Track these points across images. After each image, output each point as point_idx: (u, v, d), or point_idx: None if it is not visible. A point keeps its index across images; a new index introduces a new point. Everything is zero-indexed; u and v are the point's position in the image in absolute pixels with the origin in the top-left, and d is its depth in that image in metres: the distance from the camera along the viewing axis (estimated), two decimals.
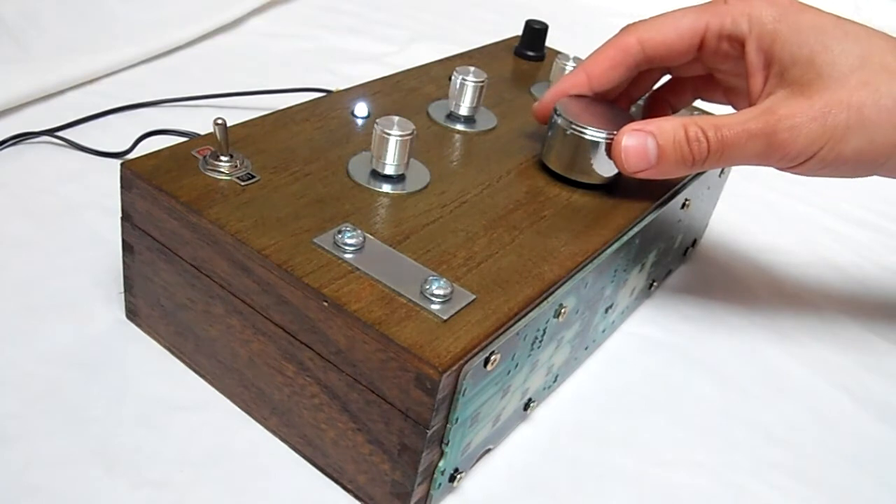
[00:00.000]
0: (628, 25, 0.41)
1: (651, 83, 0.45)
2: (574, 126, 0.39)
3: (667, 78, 0.45)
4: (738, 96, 0.43)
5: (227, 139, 0.36)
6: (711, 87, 0.44)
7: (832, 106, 0.35)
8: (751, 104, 0.38)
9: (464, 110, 0.44)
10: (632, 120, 0.40)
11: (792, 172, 0.38)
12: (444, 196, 0.37)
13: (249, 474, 0.33)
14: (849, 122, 0.35)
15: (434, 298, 0.30)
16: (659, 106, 0.46)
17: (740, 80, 0.41)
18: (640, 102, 0.48)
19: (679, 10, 0.40)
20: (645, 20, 0.41)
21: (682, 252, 0.51)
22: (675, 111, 0.46)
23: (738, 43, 0.39)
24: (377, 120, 0.36)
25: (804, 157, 0.36)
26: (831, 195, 0.66)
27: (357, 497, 0.33)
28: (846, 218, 0.63)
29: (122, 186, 0.36)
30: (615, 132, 0.38)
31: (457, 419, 0.30)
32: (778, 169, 0.38)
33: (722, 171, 0.50)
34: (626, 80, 0.42)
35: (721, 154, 0.37)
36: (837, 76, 0.36)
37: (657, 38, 0.40)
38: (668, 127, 0.37)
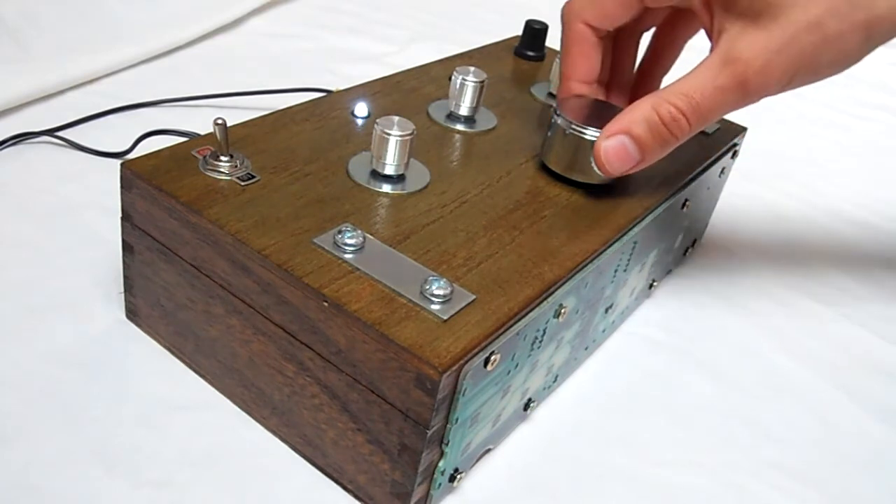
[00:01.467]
0: (567, 11, 0.41)
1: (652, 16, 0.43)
2: (574, 126, 0.39)
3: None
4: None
5: (227, 139, 0.36)
6: (687, 19, 0.43)
7: (792, 31, 0.34)
8: (711, 39, 0.37)
9: (464, 110, 0.44)
10: None
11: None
12: (444, 196, 0.37)
13: (249, 474, 0.33)
14: (814, 43, 0.34)
15: (434, 298, 0.30)
16: (646, 80, 0.45)
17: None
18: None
19: None
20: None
21: (682, 252, 0.51)
22: (667, 70, 0.46)
23: None
24: (377, 120, 0.36)
25: (780, 87, 0.36)
26: (831, 195, 0.66)
27: (357, 497, 0.33)
28: (846, 218, 0.63)
29: (122, 186, 0.36)
30: None
31: (457, 419, 0.30)
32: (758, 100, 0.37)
33: (722, 172, 0.50)
34: (608, 50, 0.42)
35: (701, 121, 0.36)
36: None
37: (599, 13, 0.40)
38: (639, 117, 0.36)
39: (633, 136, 0.36)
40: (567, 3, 0.41)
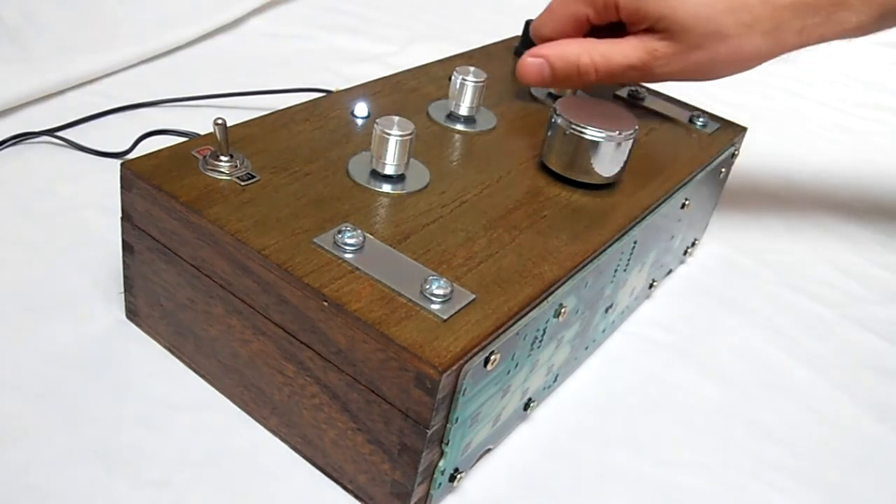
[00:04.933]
0: (530, 24, 0.51)
1: None
2: (574, 126, 0.39)
3: None
4: None
5: (227, 139, 0.36)
6: None
7: (696, 45, 0.44)
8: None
9: (464, 110, 0.44)
10: (632, 119, 0.40)
11: None
12: (444, 196, 0.37)
13: (249, 474, 0.33)
14: (714, 56, 0.45)
15: (434, 298, 0.30)
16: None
17: None
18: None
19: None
20: (540, 15, 0.49)
21: (682, 252, 0.51)
22: None
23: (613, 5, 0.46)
24: (377, 120, 0.36)
25: (675, 79, 0.47)
26: (831, 195, 0.66)
27: (357, 497, 0.33)
28: (846, 217, 0.63)
29: (122, 186, 0.36)
30: (615, 132, 0.38)
31: (457, 419, 0.30)
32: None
33: (722, 171, 0.50)
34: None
35: (606, 79, 0.46)
36: (694, 20, 0.43)
37: (553, 33, 0.48)
38: (563, 54, 0.46)
39: (551, 65, 0.46)
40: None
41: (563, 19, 0.48)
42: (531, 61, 0.46)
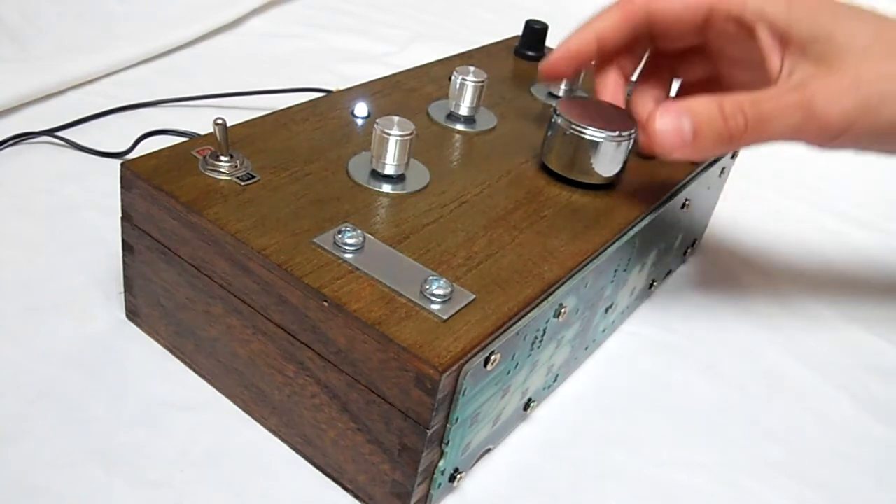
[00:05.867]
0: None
1: (638, 60, 0.44)
2: (574, 126, 0.39)
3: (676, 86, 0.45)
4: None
5: (227, 139, 0.36)
6: (716, 91, 0.44)
7: (862, 78, 0.35)
8: (772, 80, 0.38)
9: (464, 110, 0.44)
10: (632, 119, 0.40)
11: (826, 148, 0.38)
12: (444, 196, 0.37)
13: (249, 474, 0.33)
14: (882, 93, 0.35)
15: (434, 298, 0.30)
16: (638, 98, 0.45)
17: (746, 72, 0.41)
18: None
19: None
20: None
21: (682, 252, 0.51)
22: None
23: (746, 27, 0.38)
24: (377, 120, 0.36)
25: (839, 128, 0.36)
26: (831, 195, 0.66)
27: (357, 497, 0.33)
28: (846, 218, 0.63)
29: (122, 186, 0.36)
30: (615, 132, 0.38)
31: (457, 419, 0.30)
32: (812, 144, 0.37)
33: (722, 172, 0.50)
34: (634, 47, 0.42)
35: (759, 129, 0.36)
36: (859, 50, 0.35)
37: (663, 5, 0.40)
38: (702, 104, 0.36)
39: (693, 118, 0.35)
40: None
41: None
42: (666, 121, 0.35)
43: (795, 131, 0.36)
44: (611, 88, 0.43)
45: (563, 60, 0.41)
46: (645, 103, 0.43)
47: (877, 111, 0.36)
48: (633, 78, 0.45)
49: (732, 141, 0.36)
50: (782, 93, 0.36)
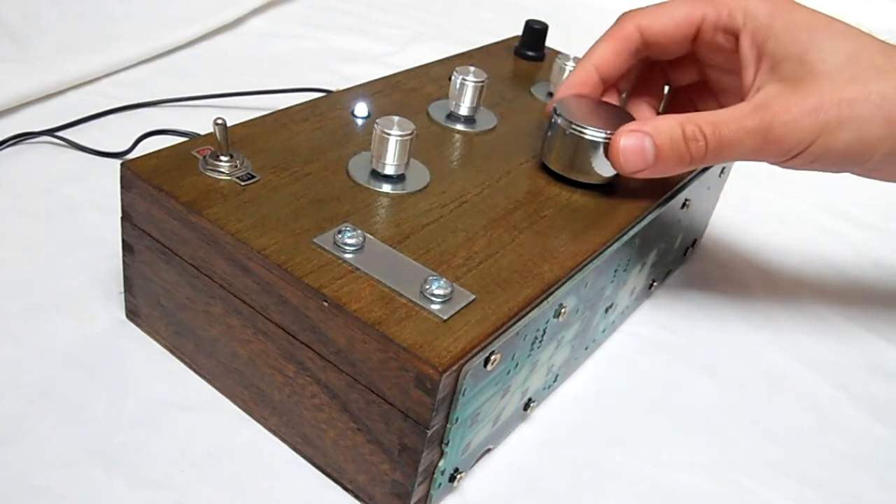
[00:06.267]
0: (626, 13, 0.42)
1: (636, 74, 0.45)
2: (574, 126, 0.39)
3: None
4: (731, 99, 0.43)
5: (227, 139, 0.36)
6: (705, 94, 0.44)
7: (824, 101, 0.36)
8: (741, 98, 0.39)
9: (464, 110, 0.44)
10: (632, 120, 0.40)
11: (783, 166, 0.39)
12: (444, 196, 0.37)
13: (249, 474, 0.33)
14: (840, 118, 0.36)
15: (434, 298, 0.30)
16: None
17: (732, 77, 0.41)
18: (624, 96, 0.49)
19: (676, 0, 0.41)
20: (642, 8, 0.41)
21: (682, 252, 0.51)
22: None
23: (733, 35, 0.39)
24: (377, 120, 0.36)
25: (797, 150, 0.37)
26: (831, 195, 0.66)
27: (357, 497, 0.33)
28: (845, 218, 0.63)
29: (122, 186, 0.36)
30: (615, 132, 0.38)
31: (457, 419, 0.30)
32: (770, 163, 0.39)
33: (722, 171, 0.50)
34: (631, 68, 0.43)
35: (718, 152, 0.37)
36: (828, 73, 0.36)
37: (655, 25, 0.41)
38: (665, 126, 0.37)
39: (654, 140, 0.37)
40: (629, 10, 0.42)
41: (671, 16, 0.40)
42: (629, 141, 0.37)
43: (755, 153, 0.37)
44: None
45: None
46: (640, 110, 0.44)
47: (833, 135, 0.36)
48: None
49: (693, 162, 0.38)
50: (745, 115, 0.37)
